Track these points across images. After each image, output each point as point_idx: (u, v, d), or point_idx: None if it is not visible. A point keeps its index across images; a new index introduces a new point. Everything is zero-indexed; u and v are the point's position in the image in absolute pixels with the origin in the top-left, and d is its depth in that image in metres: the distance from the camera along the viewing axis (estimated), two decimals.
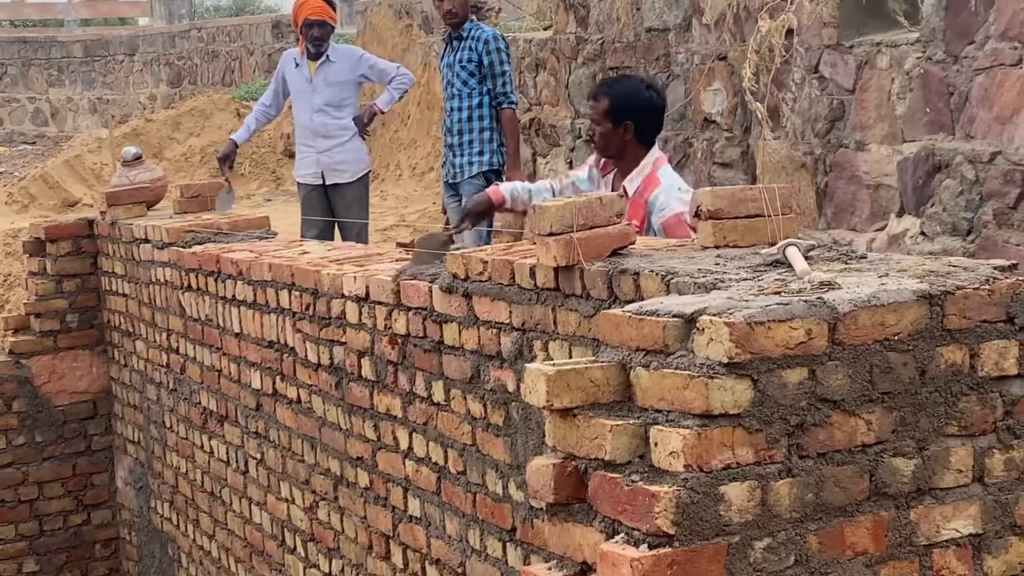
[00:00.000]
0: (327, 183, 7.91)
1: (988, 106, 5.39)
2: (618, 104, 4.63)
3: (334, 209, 7.87)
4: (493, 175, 7.12)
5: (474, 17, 7.37)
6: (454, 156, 7.25)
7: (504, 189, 4.93)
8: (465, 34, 7.19)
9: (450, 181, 7.34)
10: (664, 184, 4.54)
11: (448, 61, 7.30)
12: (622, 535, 2.28)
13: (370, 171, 8.27)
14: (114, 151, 12.05)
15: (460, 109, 7.21)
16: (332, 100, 7.91)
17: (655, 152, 4.68)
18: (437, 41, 11.69)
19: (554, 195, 4.76)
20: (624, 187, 4.59)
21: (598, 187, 4.73)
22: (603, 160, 4.80)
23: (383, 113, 8.28)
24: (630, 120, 4.59)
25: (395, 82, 8.01)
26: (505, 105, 7.18)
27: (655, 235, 4.39)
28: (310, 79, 7.93)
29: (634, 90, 4.74)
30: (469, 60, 7.15)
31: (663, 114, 4.83)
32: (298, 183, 8.22)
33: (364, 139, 8.10)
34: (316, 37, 7.89)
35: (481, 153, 7.16)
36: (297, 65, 8.02)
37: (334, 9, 8.15)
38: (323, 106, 7.90)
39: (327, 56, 7.93)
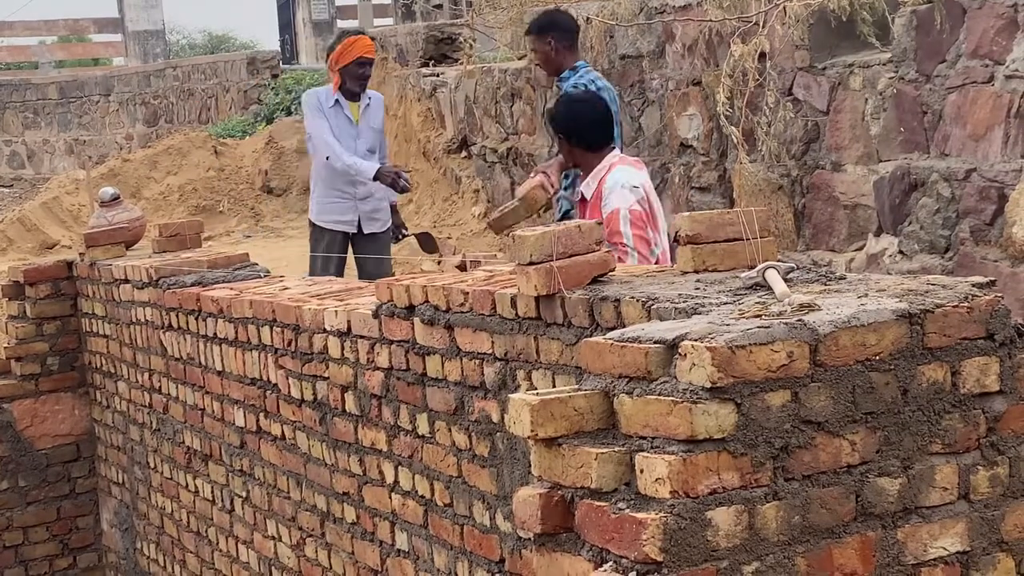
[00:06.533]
0: (364, 232, 7.31)
1: (962, 124, 5.42)
2: (554, 121, 5.13)
3: (362, 255, 7.30)
4: None
5: (577, 66, 6.33)
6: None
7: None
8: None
9: None
10: (609, 183, 4.82)
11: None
12: (610, 564, 2.28)
13: None
14: (91, 192, 12.00)
15: None
16: (373, 145, 7.35)
17: (612, 156, 4.95)
18: (412, 73, 11.70)
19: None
20: (581, 192, 4.97)
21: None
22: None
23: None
24: (563, 133, 5.01)
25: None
26: None
27: None
28: (355, 122, 7.29)
29: (564, 106, 5.20)
30: None
31: (603, 121, 5.04)
32: (320, 227, 7.37)
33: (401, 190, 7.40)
34: (367, 76, 7.31)
35: None
36: (336, 103, 7.25)
37: None
38: (366, 151, 7.29)
39: (369, 98, 7.37)
